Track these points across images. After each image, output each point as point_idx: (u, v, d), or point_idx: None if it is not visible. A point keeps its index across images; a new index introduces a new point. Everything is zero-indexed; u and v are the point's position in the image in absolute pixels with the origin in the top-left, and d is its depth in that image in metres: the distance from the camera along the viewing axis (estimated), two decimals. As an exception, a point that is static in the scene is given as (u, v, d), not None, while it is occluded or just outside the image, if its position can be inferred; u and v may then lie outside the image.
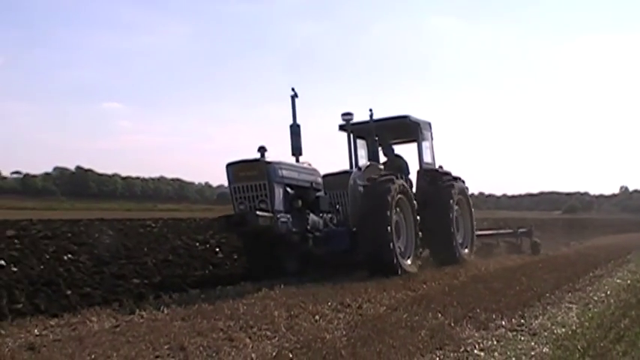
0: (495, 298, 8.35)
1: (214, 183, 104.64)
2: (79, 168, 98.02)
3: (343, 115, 12.53)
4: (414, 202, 12.32)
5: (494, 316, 7.17)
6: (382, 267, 11.14)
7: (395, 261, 11.15)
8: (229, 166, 10.16)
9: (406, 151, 15.22)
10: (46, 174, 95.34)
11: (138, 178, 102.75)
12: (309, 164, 11.42)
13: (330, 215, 12.13)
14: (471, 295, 8.63)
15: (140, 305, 7.90)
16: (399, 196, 11.84)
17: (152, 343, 5.92)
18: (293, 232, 10.49)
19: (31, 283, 8.42)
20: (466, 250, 14.90)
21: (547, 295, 8.88)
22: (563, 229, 34.45)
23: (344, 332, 6.40)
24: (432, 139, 15.24)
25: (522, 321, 7.13)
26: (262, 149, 10.17)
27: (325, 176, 12.84)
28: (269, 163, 10.14)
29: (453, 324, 6.73)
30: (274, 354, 5.58)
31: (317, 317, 7.19)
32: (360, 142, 15.18)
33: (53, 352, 5.69)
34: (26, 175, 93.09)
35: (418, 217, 12.50)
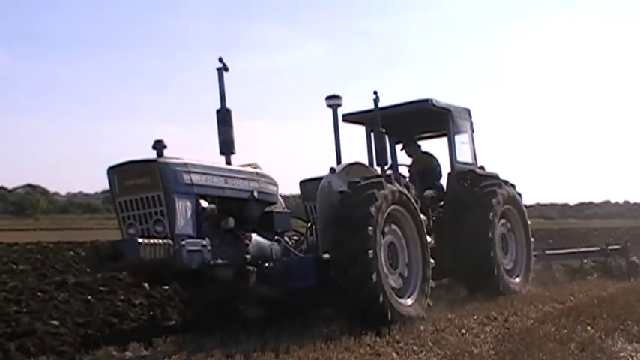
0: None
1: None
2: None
3: (328, 98, 9.16)
4: (418, 215, 8.78)
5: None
6: (363, 311, 7.73)
7: (382, 301, 7.70)
8: (111, 170, 6.97)
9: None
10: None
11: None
12: (255, 166, 8.09)
13: (298, 238, 8.77)
14: (621, 306, 8.52)
15: None
16: (393, 207, 8.36)
17: None
18: (216, 266, 7.19)
19: None
20: (517, 280, 11.12)
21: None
22: None
23: (491, 346, 6.44)
24: (471, 131, 11.59)
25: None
26: (159, 145, 6.95)
27: (303, 182, 9.53)
28: (166, 164, 6.90)
29: (603, 336, 6.69)
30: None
31: (463, 331, 7.22)
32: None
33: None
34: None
35: (429, 239, 8.95)
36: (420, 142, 12.03)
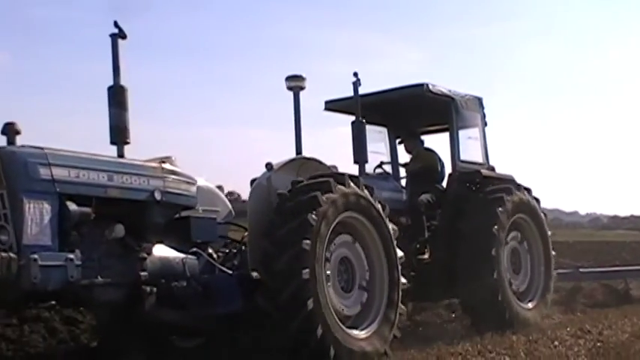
0: None
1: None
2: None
3: (288, 79, 7.47)
4: (385, 224, 6.99)
5: None
6: (296, 346, 6.02)
7: (320, 334, 5.98)
8: None
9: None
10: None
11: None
12: (165, 160, 6.43)
13: (232, 251, 7.08)
14: None
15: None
16: (348, 214, 6.62)
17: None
18: (94, 286, 5.58)
19: None
20: (529, 305, 9.12)
21: None
22: None
23: (585, 359, 6.36)
24: (483, 124, 9.73)
25: None
26: (9, 130, 5.36)
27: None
28: (13, 153, 5.29)
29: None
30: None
31: (556, 343, 7.12)
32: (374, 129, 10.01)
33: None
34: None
35: (399, 252, 7.13)
36: (425, 137, 10.22)
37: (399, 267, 7.04)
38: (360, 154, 8.41)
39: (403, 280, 7.08)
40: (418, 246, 8.93)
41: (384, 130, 10.25)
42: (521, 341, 7.14)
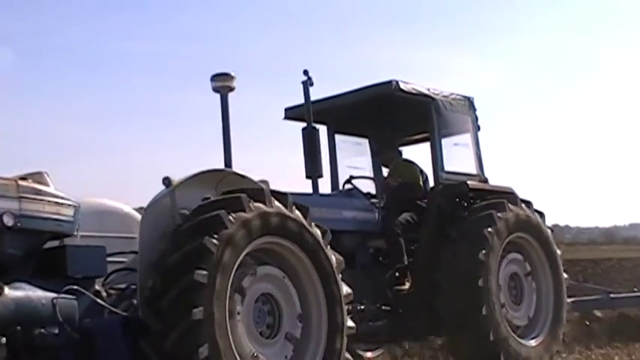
0: None
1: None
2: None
3: (214, 78, 6.11)
4: (322, 251, 5.52)
5: None
6: None
7: None
8: None
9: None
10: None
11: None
12: (26, 178, 5.09)
13: (132, 287, 5.70)
14: None
15: None
16: (268, 239, 5.21)
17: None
18: None
19: None
20: (532, 342, 7.54)
21: None
22: None
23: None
24: (475, 129, 8.24)
25: None
26: None
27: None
28: None
29: None
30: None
31: None
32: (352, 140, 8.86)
33: None
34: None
35: (344, 289, 5.67)
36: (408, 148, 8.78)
37: (344, 307, 5.57)
38: (312, 168, 7.04)
39: (350, 323, 5.62)
40: (397, 274, 7.49)
41: (365, 141, 8.84)
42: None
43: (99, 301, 5.16)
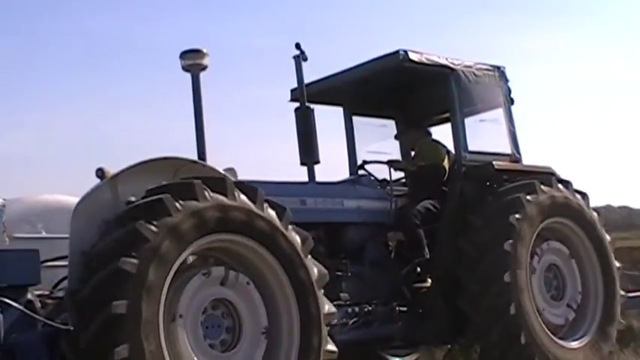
0: None
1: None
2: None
3: (183, 56, 5.34)
4: (304, 263, 4.77)
5: None
6: None
7: None
8: None
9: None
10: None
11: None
12: None
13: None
14: None
15: None
16: (222, 237, 4.52)
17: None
18: None
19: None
20: (575, 344, 6.60)
21: None
22: None
23: None
24: (508, 102, 7.24)
25: None
26: None
27: None
28: None
29: None
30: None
31: None
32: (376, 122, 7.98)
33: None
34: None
35: (326, 306, 4.89)
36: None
37: (323, 328, 4.81)
38: (307, 153, 6.28)
39: (331, 347, 4.86)
40: (419, 270, 6.65)
41: (391, 123, 7.97)
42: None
43: (29, 313, 4.52)
